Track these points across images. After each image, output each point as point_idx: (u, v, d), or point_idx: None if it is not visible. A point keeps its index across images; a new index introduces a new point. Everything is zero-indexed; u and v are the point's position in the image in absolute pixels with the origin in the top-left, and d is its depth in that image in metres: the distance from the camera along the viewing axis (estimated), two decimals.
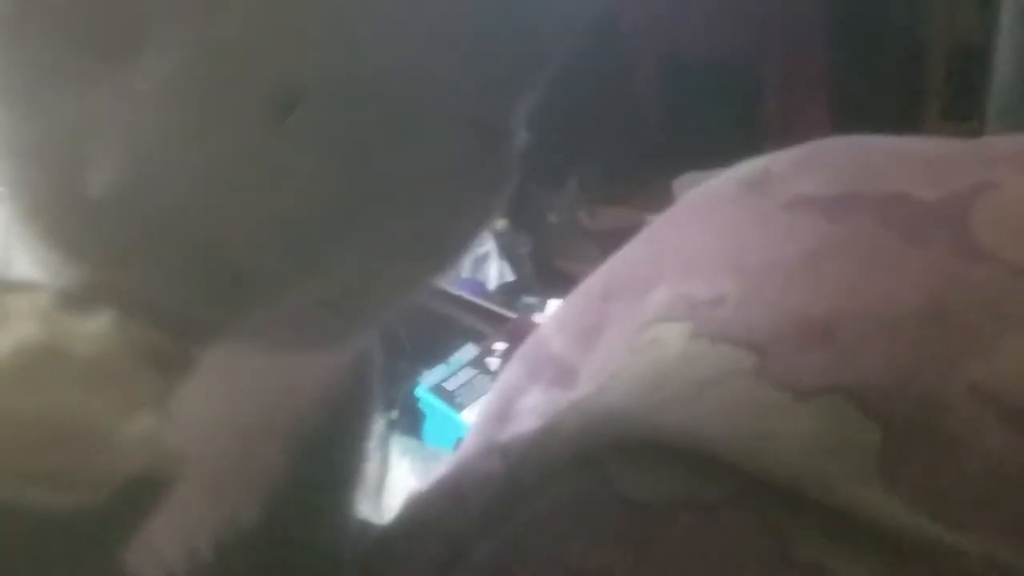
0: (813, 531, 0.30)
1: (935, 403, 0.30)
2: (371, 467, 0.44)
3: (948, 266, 0.32)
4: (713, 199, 0.42)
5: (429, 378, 1.10)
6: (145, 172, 0.25)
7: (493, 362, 1.12)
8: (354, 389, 0.37)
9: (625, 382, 0.36)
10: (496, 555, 0.35)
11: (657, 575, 0.32)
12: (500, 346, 1.14)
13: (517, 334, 1.15)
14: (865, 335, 0.32)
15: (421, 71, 0.27)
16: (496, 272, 1.40)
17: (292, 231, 0.26)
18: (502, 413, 0.42)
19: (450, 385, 1.09)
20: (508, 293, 1.37)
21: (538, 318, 1.23)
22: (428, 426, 1.09)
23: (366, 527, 0.46)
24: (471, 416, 1.05)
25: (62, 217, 0.27)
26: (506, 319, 1.23)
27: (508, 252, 1.41)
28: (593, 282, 0.44)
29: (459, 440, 1.02)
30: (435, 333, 1.16)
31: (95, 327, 0.27)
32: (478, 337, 1.18)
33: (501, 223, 1.41)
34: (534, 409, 0.40)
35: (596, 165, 1.53)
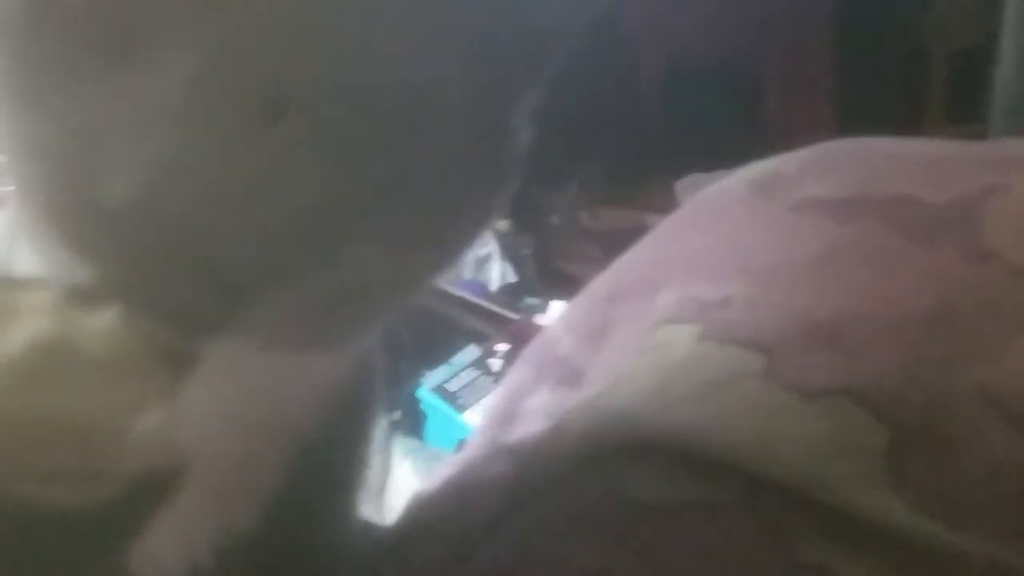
0: (819, 532, 0.30)
1: (942, 405, 0.30)
2: (373, 468, 0.44)
3: (956, 269, 0.32)
4: (721, 201, 0.42)
5: (431, 379, 1.10)
6: (156, 175, 0.25)
7: (495, 363, 1.12)
8: (356, 391, 0.37)
9: (633, 383, 0.36)
10: (502, 556, 0.35)
11: None
12: (502, 347, 1.14)
13: (519, 335, 1.15)
14: (873, 337, 0.32)
15: (421, 71, 0.27)
16: (498, 273, 1.40)
17: (296, 230, 0.26)
18: (508, 414, 0.42)
19: (452, 386, 1.09)
20: (510, 294, 1.37)
21: (540, 319, 1.23)
22: (430, 427, 1.09)
23: (369, 528, 0.46)
24: (473, 417, 1.05)
25: (76, 218, 0.27)
26: (508, 320, 1.23)
27: (510, 253, 1.41)
28: (601, 284, 0.44)
29: (461, 441, 1.03)
30: (437, 334, 1.16)
31: (102, 324, 0.27)
32: (480, 338, 1.18)
33: (503, 224, 1.41)
34: (541, 409, 0.40)
35: (598, 166, 1.53)
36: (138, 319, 0.27)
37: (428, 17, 0.27)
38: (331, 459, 0.38)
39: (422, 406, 1.09)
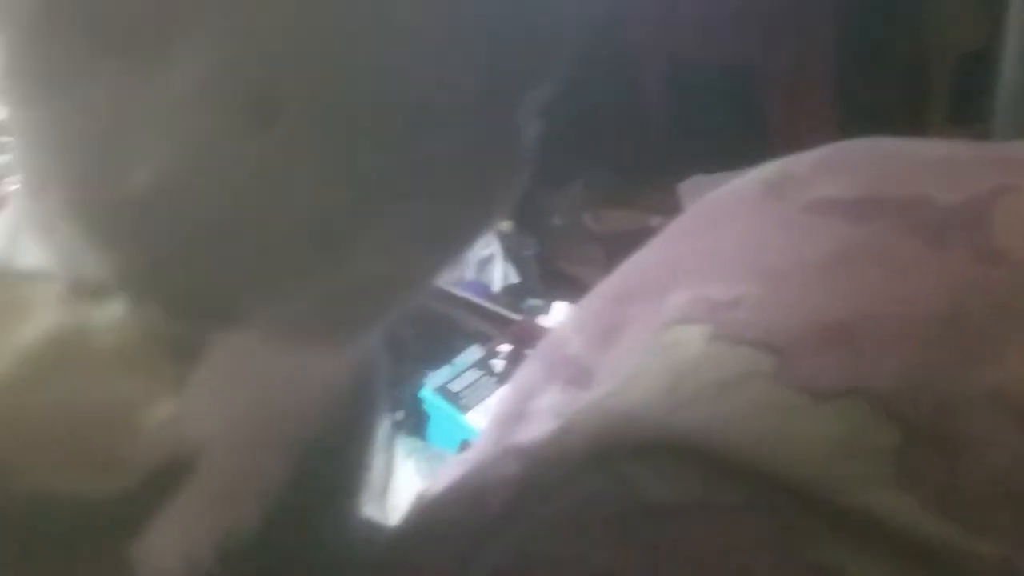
0: (829, 533, 0.30)
1: (953, 406, 0.30)
2: (376, 468, 0.44)
3: (968, 270, 0.32)
4: (732, 201, 0.42)
5: (434, 379, 1.11)
6: (176, 163, 0.25)
7: (498, 364, 1.12)
8: (360, 391, 0.37)
9: (643, 383, 0.36)
10: (510, 556, 0.35)
11: None
12: (505, 348, 1.14)
13: (522, 336, 1.15)
14: (884, 338, 0.32)
15: (430, 71, 0.27)
16: (500, 274, 1.40)
17: (300, 228, 0.27)
18: (517, 413, 0.42)
19: (455, 386, 1.09)
20: (512, 295, 1.38)
21: (543, 320, 1.23)
22: (433, 427, 1.09)
23: (373, 529, 0.46)
24: (476, 417, 1.05)
25: (99, 206, 0.27)
26: (511, 321, 1.23)
27: (513, 254, 1.41)
28: (611, 284, 0.44)
29: (464, 441, 1.03)
30: (440, 335, 1.16)
31: (109, 315, 0.28)
32: (483, 339, 1.18)
33: (505, 225, 1.41)
34: (550, 409, 0.40)
35: (601, 168, 1.54)
36: (144, 311, 0.27)
37: (435, 16, 0.27)
38: (335, 459, 0.38)
39: (425, 406, 1.09)
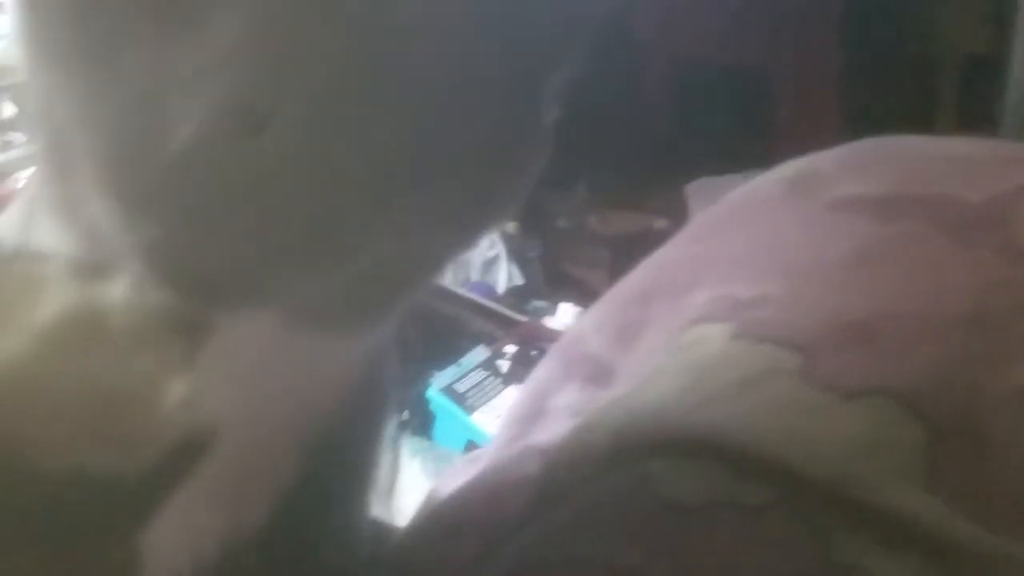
0: (854, 533, 0.29)
1: (980, 405, 0.29)
2: (383, 467, 0.44)
3: (993, 269, 0.32)
4: (754, 200, 0.42)
5: (440, 380, 1.11)
6: (211, 134, 0.25)
7: (503, 364, 1.13)
8: (368, 389, 0.37)
9: (665, 381, 0.35)
10: (530, 555, 0.35)
11: None
12: (510, 349, 1.15)
13: (527, 337, 1.16)
14: (910, 337, 0.32)
15: (455, 52, 0.27)
16: (505, 276, 1.40)
17: (330, 205, 0.26)
18: (535, 411, 0.42)
19: (461, 387, 1.10)
20: (517, 296, 1.38)
21: (548, 321, 1.23)
22: (439, 427, 1.10)
23: (380, 528, 0.46)
24: (481, 417, 1.06)
25: (136, 180, 0.27)
26: (516, 322, 1.24)
27: (517, 256, 1.42)
28: (632, 282, 0.44)
29: (470, 441, 1.03)
30: (446, 335, 1.17)
31: (124, 294, 0.28)
32: (488, 340, 1.19)
33: (511, 227, 1.41)
34: (569, 407, 0.40)
35: (606, 169, 1.54)
36: (159, 291, 0.27)
37: (454, 7, 0.27)
38: (345, 454, 0.38)
39: (431, 406, 1.10)
